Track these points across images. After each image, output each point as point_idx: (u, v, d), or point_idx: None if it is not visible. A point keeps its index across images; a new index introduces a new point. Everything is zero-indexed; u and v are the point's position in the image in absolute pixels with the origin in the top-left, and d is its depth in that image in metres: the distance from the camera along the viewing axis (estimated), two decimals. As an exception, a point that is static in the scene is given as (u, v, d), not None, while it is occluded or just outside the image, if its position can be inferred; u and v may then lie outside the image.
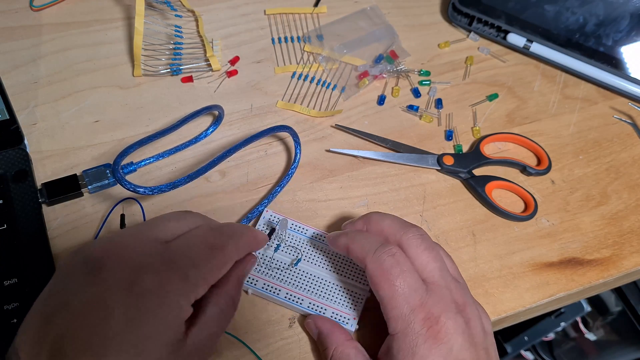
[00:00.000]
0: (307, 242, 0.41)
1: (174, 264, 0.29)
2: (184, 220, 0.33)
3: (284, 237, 0.41)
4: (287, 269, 0.40)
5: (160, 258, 0.29)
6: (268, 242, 0.41)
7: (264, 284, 0.39)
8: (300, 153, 0.46)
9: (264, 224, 0.42)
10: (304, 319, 0.39)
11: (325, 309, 0.39)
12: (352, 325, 0.38)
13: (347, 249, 0.36)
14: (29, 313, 0.29)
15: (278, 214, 0.42)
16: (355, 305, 0.39)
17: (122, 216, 0.42)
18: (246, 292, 0.40)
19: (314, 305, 0.39)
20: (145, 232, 0.31)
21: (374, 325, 0.39)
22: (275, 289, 0.39)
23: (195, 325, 0.30)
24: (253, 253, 0.37)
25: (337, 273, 0.40)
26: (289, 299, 0.39)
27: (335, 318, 0.38)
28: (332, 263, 0.40)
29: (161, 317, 0.28)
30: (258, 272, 0.39)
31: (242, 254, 0.34)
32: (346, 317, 0.38)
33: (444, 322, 0.32)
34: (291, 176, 0.46)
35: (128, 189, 0.38)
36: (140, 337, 0.27)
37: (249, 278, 0.39)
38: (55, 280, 0.30)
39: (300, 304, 0.39)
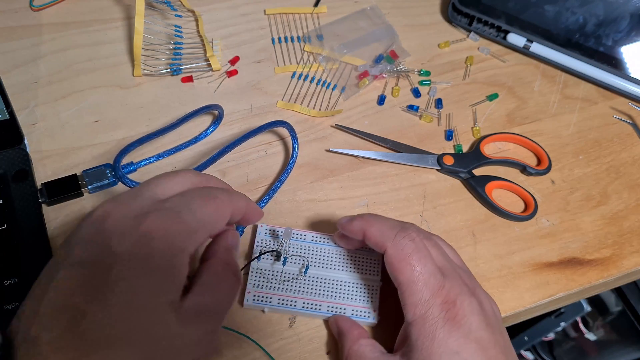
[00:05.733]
0: (310, 247, 0.41)
1: (171, 210, 0.29)
2: (178, 178, 0.32)
3: (287, 249, 0.41)
4: (297, 278, 0.40)
5: (159, 207, 0.29)
6: (267, 256, 0.40)
7: (279, 299, 0.39)
8: (297, 147, 0.46)
9: (261, 241, 0.41)
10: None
11: (344, 309, 0.39)
12: (373, 318, 0.38)
13: (363, 233, 0.36)
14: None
15: (274, 227, 0.41)
16: (372, 297, 0.39)
17: None
18: (263, 311, 0.39)
19: (332, 307, 0.39)
20: (143, 191, 0.31)
21: (390, 317, 0.39)
22: (291, 301, 0.39)
23: (191, 290, 0.29)
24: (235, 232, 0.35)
25: (346, 270, 0.40)
26: (307, 307, 0.39)
27: (355, 315, 0.38)
28: (339, 261, 0.40)
29: (169, 261, 0.28)
30: (270, 289, 0.39)
31: (235, 206, 0.33)
32: (366, 311, 0.39)
33: (460, 304, 0.32)
34: (290, 170, 0.46)
35: (130, 187, 0.38)
36: (150, 282, 0.27)
37: (263, 297, 0.39)
38: (63, 247, 0.29)
39: (319, 309, 0.39)
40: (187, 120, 0.46)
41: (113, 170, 0.38)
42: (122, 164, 0.44)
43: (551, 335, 0.93)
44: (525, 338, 0.91)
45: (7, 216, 0.40)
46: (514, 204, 0.47)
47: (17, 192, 0.42)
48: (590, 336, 0.92)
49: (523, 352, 0.95)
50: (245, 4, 0.58)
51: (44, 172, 0.44)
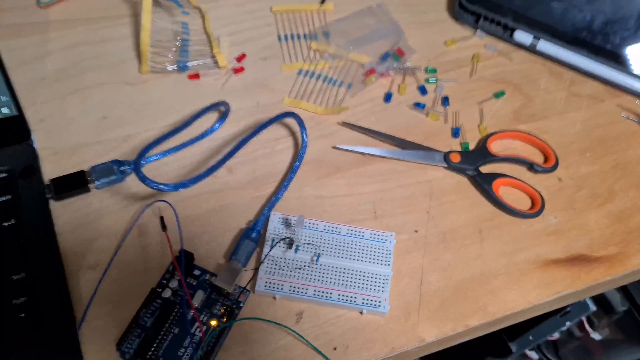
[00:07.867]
0: (322, 236, 0.42)
1: None
2: None
3: (300, 237, 0.41)
4: (309, 266, 0.40)
5: None
6: (279, 244, 0.41)
7: (290, 287, 0.39)
8: (307, 138, 0.46)
9: (273, 229, 0.42)
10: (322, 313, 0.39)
11: (355, 297, 0.39)
12: (384, 307, 0.39)
13: None
14: None
15: (287, 215, 0.42)
16: (383, 287, 0.40)
17: (162, 218, 0.41)
18: (274, 298, 0.40)
19: (343, 296, 0.39)
20: None
21: (400, 308, 0.40)
22: (302, 288, 0.39)
23: None
24: None
25: (357, 259, 0.41)
26: (318, 295, 0.39)
27: (366, 303, 0.39)
28: (350, 251, 0.41)
29: None
30: (282, 276, 0.40)
31: None
32: (377, 300, 0.39)
33: None
34: (302, 159, 0.46)
35: (152, 188, 0.38)
36: None
37: (275, 284, 0.39)
38: None
39: (330, 297, 0.39)
40: (199, 117, 0.46)
41: (135, 173, 0.38)
42: (127, 161, 0.45)
43: (556, 335, 0.92)
44: (530, 337, 0.91)
45: (15, 212, 0.40)
46: (521, 201, 0.47)
47: (24, 188, 0.42)
48: (596, 336, 0.91)
49: (528, 352, 0.94)
50: (251, 1, 0.58)
51: (51, 168, 0.45)
